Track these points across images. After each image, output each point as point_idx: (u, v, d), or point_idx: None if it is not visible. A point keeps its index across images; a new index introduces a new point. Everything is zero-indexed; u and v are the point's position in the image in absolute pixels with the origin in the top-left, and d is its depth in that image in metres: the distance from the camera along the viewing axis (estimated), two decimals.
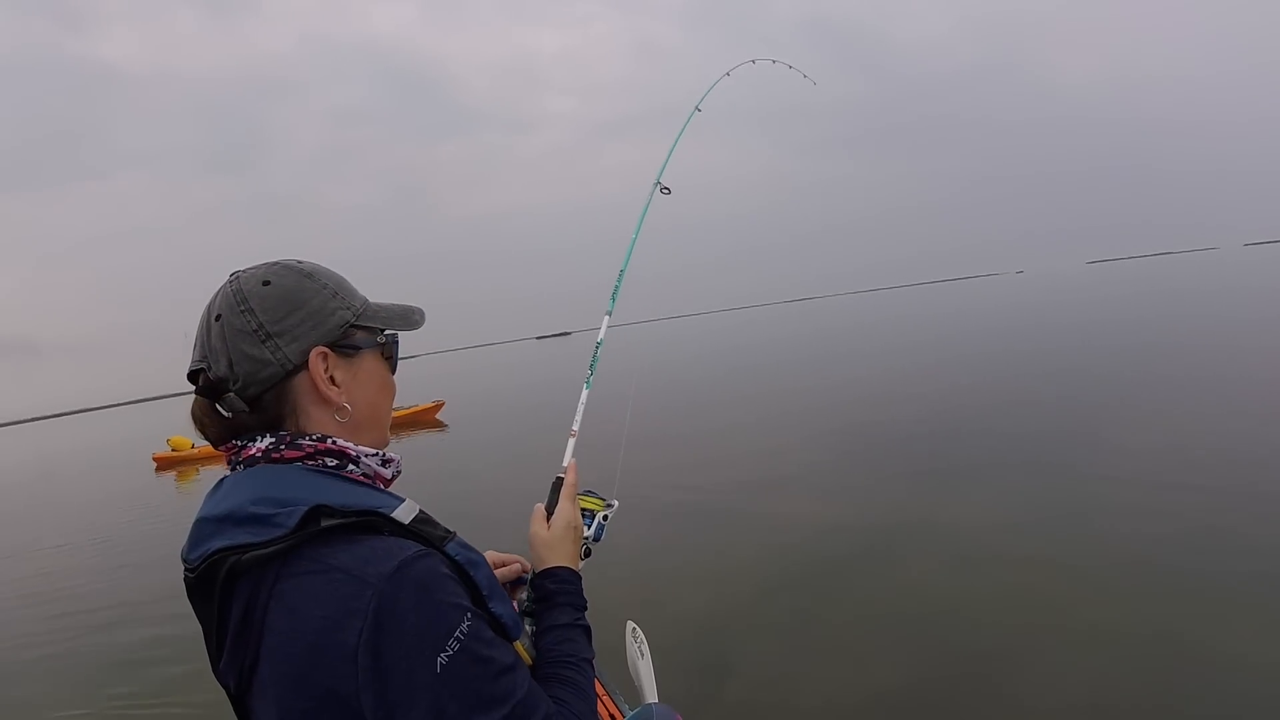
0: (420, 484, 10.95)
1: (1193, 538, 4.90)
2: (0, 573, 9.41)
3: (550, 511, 1.39)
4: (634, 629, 2.14)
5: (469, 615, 0.92)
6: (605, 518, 1.51)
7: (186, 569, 0.96)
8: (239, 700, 0.97)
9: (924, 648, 3.93)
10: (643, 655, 2.03)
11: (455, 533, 1.03)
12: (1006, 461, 7.49)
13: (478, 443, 14.97)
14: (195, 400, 1.04)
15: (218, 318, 1.02)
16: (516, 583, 1.38)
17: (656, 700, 1.85)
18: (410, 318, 1.19)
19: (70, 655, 5.86)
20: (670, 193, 2.08)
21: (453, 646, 0.89)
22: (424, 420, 19.39)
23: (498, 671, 0.93)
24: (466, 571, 0.97)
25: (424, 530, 0.99)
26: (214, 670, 0.98)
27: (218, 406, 1.03)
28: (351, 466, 1.05)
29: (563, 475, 1.46)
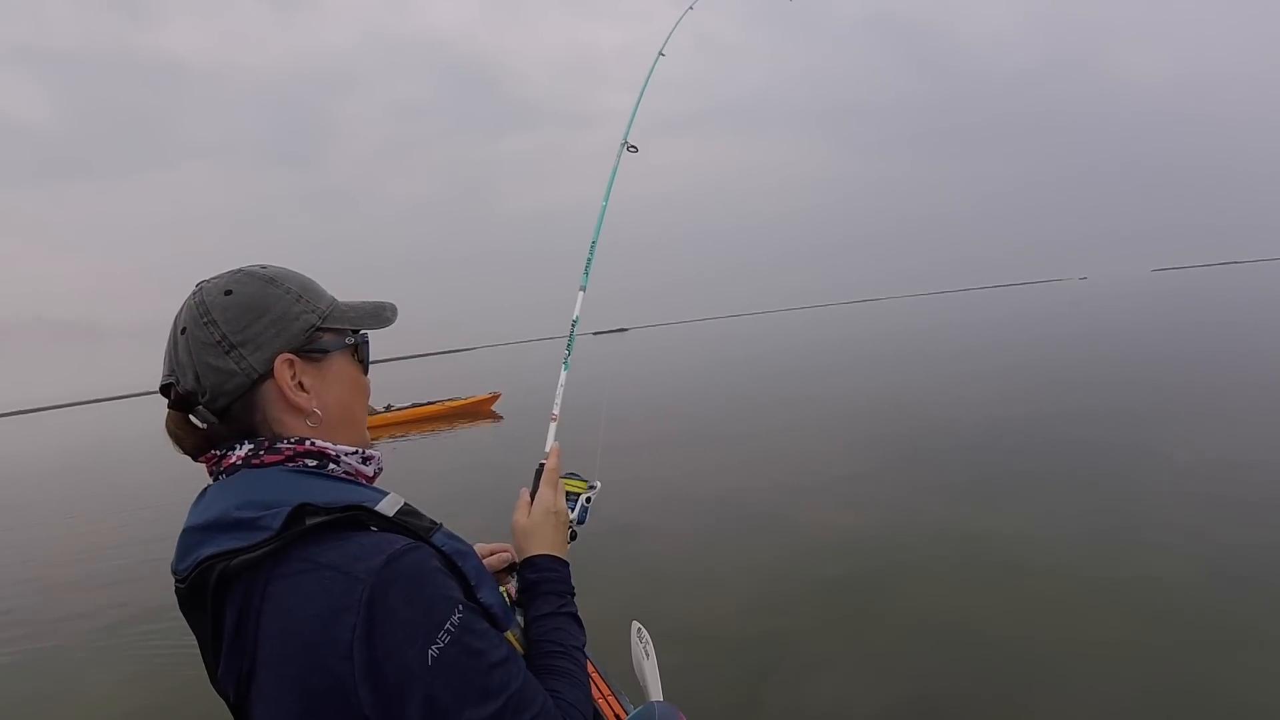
0: (471, 474, 11.08)
1: (1245, 555, 4.69)
2: (73, 534, 10.01)
3: (534, 495, 1.38)
4: (639, 629, 2.13)
5: (460, 607, 0.93)
6: (588, 500, 1.49)
7: (177, 580, 0.97)
8: (238, 708, 0.96)
9: (945, 660, 3.82)
10: (648, 655, 2.03)
11: (441, 524, 1.03)
12: (1056, 473, 7.21)
13: (531, 435, 15.06)
14: (168, 414, 1.04)
15: (183, 331, 1.02)
16: (510, 570, 1.37)
17: (661, 699, 1.85)
18: (381, 315, 1.18)
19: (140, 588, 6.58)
20: (637, 150, 2.06)
21: (444, 639, 0.89)
22: (480, 411, 19.57)
23: (491, 664, 0.93)
24: (454, 562, 0.98)
25: (409, 522, 0.99)
26: (212, 681, 0.99)
27: (191, 419, 1.03)
28: (332, 466, 1.05)
29: (544, 461, 1.44)
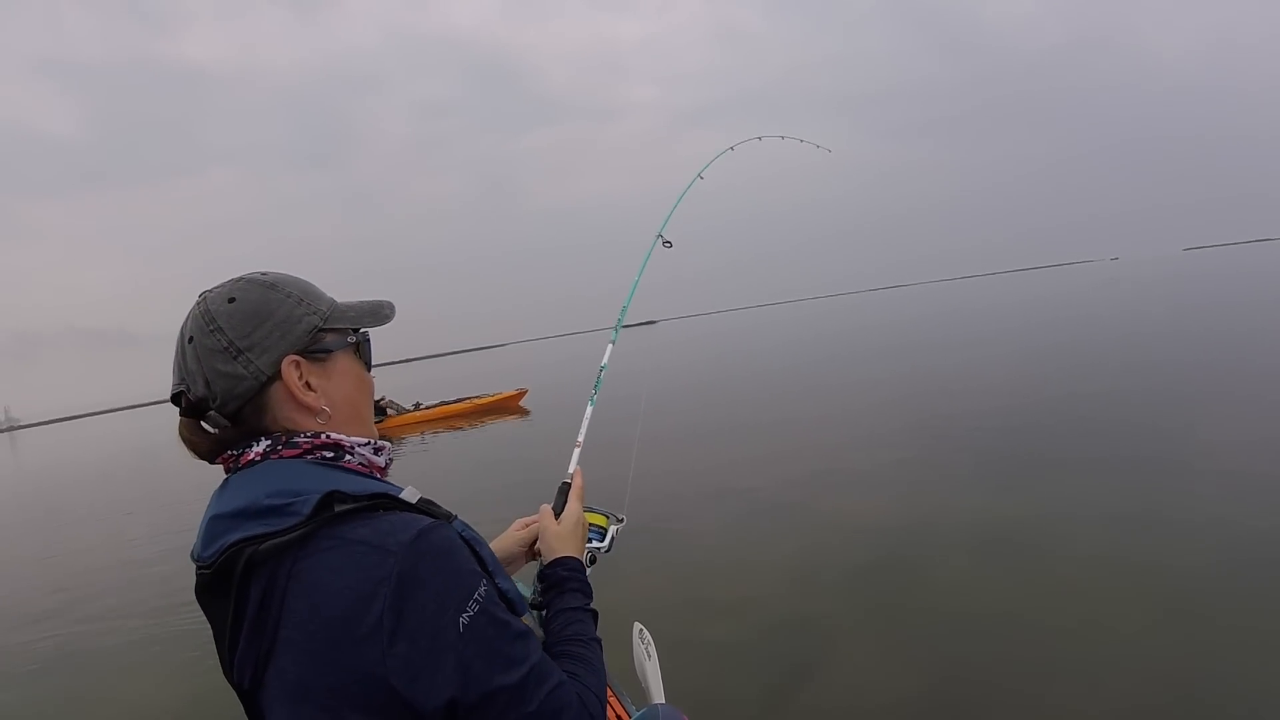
0: (494, 469, 11.21)
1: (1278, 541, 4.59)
2: (112, 537, 10.21)
3: (557, 512, 1.48)
4: (640, 630, 2.14)
5: (484, 581, 0.98)
6: (615, 531, 1.63)
7: (200, 567, 1.00)
8: (251, 695, 0.98)
9: (959, 653, 3.77)
10: (650, 656, 2.04)
11: (456, 515, 1.07)
12: (1086, 459, 7.08)
13: (557, 430, 15.11)
14: (181, 421, 1.08)
15: (190, 340, 1.05)
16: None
17: (664, 701, 1.86)
18: (380, 312, 1.21)
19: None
20: (672, 246, 2.18)
21: (473, 608, 0.94)
22: (507, 407, 19.75)
23: (515, 634, 0.98)
24: (473, 548, 1.02)
25: (430, 509, 1.03)
26: (225, 670, 1.00)
27: (203, 425, 1.07)
28: (348, 457, 1.10)
29: (567, 480, 1.56)
